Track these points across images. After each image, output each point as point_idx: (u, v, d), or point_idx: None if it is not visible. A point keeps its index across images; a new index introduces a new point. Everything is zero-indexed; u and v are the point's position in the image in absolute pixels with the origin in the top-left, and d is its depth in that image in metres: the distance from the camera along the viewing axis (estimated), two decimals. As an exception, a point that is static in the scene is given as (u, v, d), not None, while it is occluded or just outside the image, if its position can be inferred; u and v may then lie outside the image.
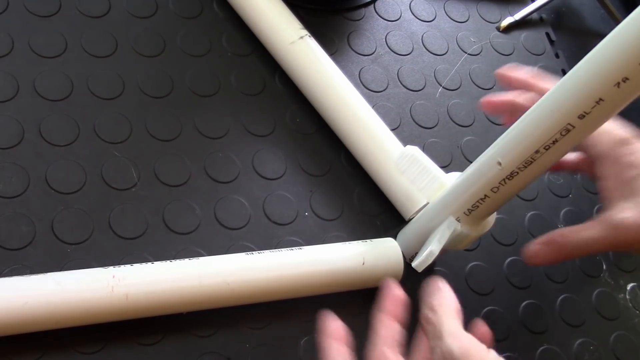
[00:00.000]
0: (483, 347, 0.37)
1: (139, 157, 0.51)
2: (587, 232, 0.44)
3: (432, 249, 0.46)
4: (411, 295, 0.52)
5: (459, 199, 0.45)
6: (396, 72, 0.62)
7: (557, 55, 0.70)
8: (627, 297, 0.58)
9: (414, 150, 0.51)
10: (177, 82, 0.55)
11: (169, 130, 0.53)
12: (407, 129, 0.59)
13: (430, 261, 0.46)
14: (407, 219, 0.53)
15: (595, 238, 0.44)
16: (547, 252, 0.46)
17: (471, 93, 0.64)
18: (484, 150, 0.43)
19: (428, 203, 0.50)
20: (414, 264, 0.47)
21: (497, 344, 0.40)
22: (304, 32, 0.57)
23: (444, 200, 0.47)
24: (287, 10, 0.58)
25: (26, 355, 0.42)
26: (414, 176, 0.50)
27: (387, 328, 0.40)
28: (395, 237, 0.52)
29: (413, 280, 0.52)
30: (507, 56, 0.68)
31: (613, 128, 0.45)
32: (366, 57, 0.62)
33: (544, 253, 0.46)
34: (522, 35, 0.70)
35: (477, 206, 0.44)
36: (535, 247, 0.46)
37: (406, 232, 0.52)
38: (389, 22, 0.66)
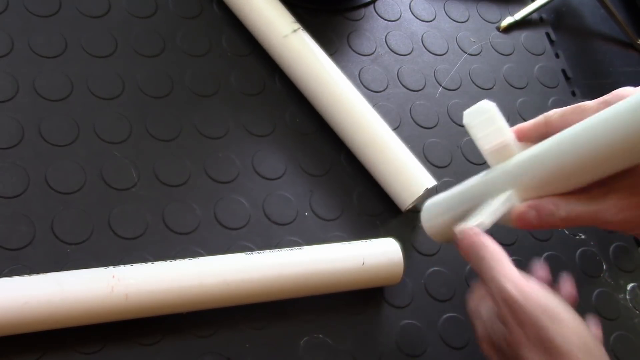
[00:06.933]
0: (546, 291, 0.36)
1: (139, 157, 0.51)
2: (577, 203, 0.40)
3: (483, 221, 0.41)
4: (411, 294, 0.52)
5: (529, 175, 0.41)
6: (396, 72, 0.62)
7: (557, 55, 0.70)
8: (627, 297, 0.58)
9: (492, 108, 0.44)
10: (177, 82, 0.55)
11: (169, 130, 0.53)
12: (407, 129, 0.59)
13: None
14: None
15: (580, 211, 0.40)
16: (534, 217, 0.42)
17: (471, 93, 0.64)
18: None
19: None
20: (456, 229, 0.43)
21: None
22: (297, 25, 0.57)
23: (511, 170, 0.42)
24: (280, 4, 0.58)
25: (26, 355, 0.42)
26: (483, 135, 0.44)
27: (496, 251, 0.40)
28: (395, 237, 0.52)
29: (412, 280, 0.53)
30: (507, 56, 0.68)
31: None
32: (366, 57, 0.62)
33: (531, 216, 0.42)
34: (522, 35, 0.70)
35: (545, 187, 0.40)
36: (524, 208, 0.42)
37: (449, 192, 0.47)
38: (389, 22, 0.66)
